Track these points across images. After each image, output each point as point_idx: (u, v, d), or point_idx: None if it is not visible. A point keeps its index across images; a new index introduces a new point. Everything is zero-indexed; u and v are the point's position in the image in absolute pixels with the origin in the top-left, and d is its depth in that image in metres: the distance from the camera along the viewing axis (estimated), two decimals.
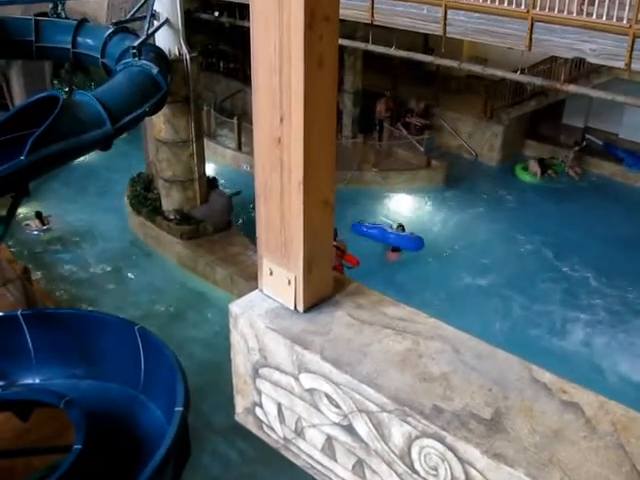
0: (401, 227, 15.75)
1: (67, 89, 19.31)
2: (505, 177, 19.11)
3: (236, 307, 2.31)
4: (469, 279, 14.51)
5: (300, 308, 2.23)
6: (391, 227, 15.85)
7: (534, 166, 18.90)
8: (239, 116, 19.87)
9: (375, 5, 12.78)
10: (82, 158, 12.48)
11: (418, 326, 2.18)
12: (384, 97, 20.22)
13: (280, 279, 2.25)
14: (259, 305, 2.29)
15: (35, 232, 16.40)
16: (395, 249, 15.21)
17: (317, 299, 2.27)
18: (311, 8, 1.87)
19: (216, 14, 18.22)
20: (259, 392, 2.33)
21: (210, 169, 16.98)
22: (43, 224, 16.52)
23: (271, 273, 2.28)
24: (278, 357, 2.18)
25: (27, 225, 16.36)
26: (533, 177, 18.82)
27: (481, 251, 15.50)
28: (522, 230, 16.31)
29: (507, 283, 14.26)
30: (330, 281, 2.33)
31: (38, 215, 16.37)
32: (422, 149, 18.83)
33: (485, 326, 12.09)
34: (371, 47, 15.41)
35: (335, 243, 12.74)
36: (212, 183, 16.00)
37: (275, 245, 2.23)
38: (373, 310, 2.26)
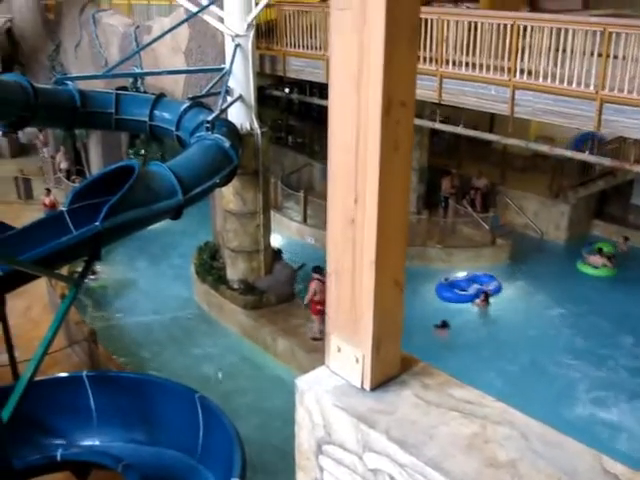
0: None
1: (141, 159, 20.06)
2: (571, 257, 18.65)
3: (303, 383, 2.32)
4: (532, 362, 14.09)
5: (367, 386, 2.23)
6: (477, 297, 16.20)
7: (596, 259, 17.92)
8: (305, 189, 20.25)
9: (443, 85, 12.99)
10: None
11: (485, 410, 2.16)
12: (450, 174, 20.34)
13: (348, 356, 2.26)
14: (326, 381, 2.30)
15: None
16: (443, 325, 14.93)
17: (384, 378, 2.27)
18: (388, 94, 1.93)
19: (287, 91, 18.76)
20: (321, 469, 2.32)
21: (275, 240, 17.21)
22: (93, 273, 17.18)
23: (339, 350, 2.29)
24: (343, 435, 2.17)
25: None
26: (602, 269, 17.83)
27: (549, 336, 15.06)
28: (592, 317, 15.67)
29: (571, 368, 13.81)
30: (398, 360, 2.33)
31: None
32: (487, 227, 18.72)
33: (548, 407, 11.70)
34: (438, 126, 15.61)
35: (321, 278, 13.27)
36: (277, 254, 16.19)
37: (344, 323, 2.26)
38: (440, 391, 2.25)
